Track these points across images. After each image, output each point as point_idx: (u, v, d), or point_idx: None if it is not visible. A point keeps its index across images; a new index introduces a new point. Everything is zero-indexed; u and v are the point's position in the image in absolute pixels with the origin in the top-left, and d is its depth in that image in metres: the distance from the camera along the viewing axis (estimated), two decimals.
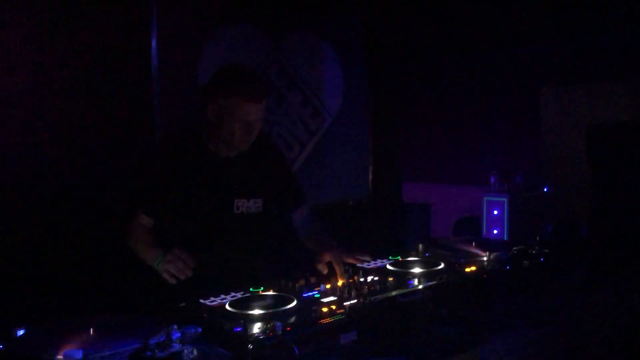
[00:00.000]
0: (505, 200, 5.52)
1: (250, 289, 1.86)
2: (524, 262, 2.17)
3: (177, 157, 2.11)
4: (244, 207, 2.21)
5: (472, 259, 2.21)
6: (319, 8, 4.13)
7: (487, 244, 2.41)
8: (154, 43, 3.16)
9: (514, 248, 2.24)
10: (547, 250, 2.29)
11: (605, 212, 2.77)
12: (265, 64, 3.84)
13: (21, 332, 1.41)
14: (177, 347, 1.31)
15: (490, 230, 5.72)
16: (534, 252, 2.29)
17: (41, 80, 2.77)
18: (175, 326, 1.36)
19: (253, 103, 2.00)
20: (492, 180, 5.82)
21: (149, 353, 1.29)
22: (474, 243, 2.40)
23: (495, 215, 5.60)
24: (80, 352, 1.07)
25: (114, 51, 2.96)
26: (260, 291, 1.84)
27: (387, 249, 4.53)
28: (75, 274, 2.74)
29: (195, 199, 2.12)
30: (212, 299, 1.76)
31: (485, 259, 2.21)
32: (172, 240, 2.05)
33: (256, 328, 1.50)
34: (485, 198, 5.70)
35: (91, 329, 1.41)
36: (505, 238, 5.58)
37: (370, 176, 4.64)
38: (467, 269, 2.07)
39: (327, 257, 2.10)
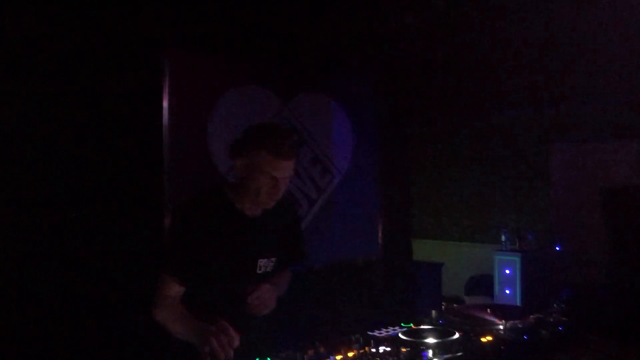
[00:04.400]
0: (517, 259, 5.43)
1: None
2: (542, 331, 2.09)
3: (205, 218, 2.03)
4: (265, 266, 2.15)
5: (488, 328, 2.13)
6: (329, 68, 4.20)
7: (502, 311, 2.33)
8: (165, 105, 3.20)
9: (531, 316, 2.16)
10: (565, 319, 2.21)
11: (627, 277, 2.69)
12: None
13: None
14: None
15: (502, 290, 5.59)
16: (551, 320, 2.21)
17: (48, 140, 2.79)
18: None
19: (282, 160, 1.97)
20: (504, 238, 5.74)
21: None
22: (488, 309, 2.31)
23: (508, 274, 5.49)
24: None
25: (125, 113, 3.00)
26: None
27: (398, 309, 4.45)
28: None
29: (221, 259, 2.05)
30: None
31: (501, 327, 2.13)
32: (195, 306, 1.98)
33: None
34: (497, 257, 5.60)
35: None
36: (518, 299, 5.45)
37: (380, 234, 4.58)
38: (483, 339, 1.99)
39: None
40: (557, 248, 5.66)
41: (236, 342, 1.73)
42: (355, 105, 4.37)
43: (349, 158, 4.37)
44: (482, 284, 5.91)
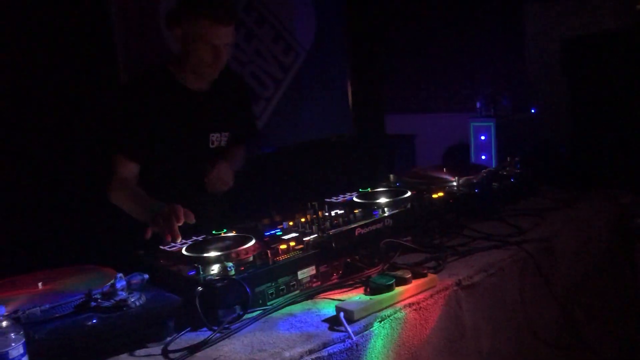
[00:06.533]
0: (492, 124, 5.44)
1: (213, 232, 1.83)
2: (493, 184, 2.13)
3: (150, 95, 1.99)
4: (218, 141, 2.15)
5: (442, 185, 2.17)
6: None
7: (459, 169, 2.35)
8: None
9: (483, 170, 2.19)
10: (518, 171, 2.25)
11: (584, 129, 2.70)
12: None
13: None
14: (122, 295, 1.29)
15: (478, 156, 5.67)
16: (505, 173, 2.25)
17: None
18: (121, 275, 1.33)
19: (221, 26, 1.91)
20: (479, 105, 5.71)
21: (93, 303, 1.27)
22: (444, 169, 2.34)
23: (483, 140, 5.54)
24: (2, 308, 1.04)
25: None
26: (222, 233, 1.81)
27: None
28: (41, 225, 2.69)
29: (172, 136, 2.04)
30: (172, 244, 1.73)
31: (454, 183, 2.16)
32: (153, 187, 1.99)
33: (211, 270, 1.48)
34: (472, 124, 5.61)
35: (39, 283, 1.39)
36: (493, 163, 5.54)
37: (351, 110, 4.54)
38: (435, 195, 2.02)
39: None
40: (533, 110, 5.66)
41: (190, 220, 1.75)
42: None
43: (313, 33, 4.22)
44: (460, 152, 5.98)
